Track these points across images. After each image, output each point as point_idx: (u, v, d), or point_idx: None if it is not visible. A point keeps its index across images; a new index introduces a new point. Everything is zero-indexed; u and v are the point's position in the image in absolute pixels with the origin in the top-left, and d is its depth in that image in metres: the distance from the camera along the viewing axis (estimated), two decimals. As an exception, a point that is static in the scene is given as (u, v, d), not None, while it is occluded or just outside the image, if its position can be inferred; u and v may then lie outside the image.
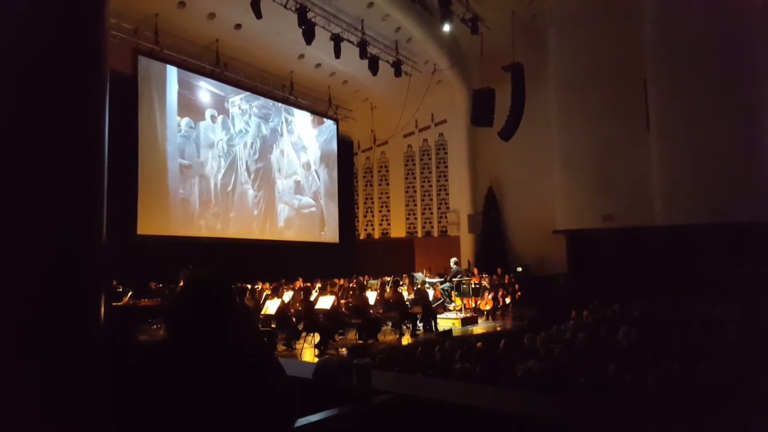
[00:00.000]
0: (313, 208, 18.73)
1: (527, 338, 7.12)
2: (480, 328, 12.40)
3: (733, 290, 10.59)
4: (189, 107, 14.61)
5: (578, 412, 2.67)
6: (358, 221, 21.44)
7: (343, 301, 11.44)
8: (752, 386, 3.98)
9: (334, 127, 19.90)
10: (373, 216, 21.36)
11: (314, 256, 17.59)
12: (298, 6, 13.06)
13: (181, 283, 1.77)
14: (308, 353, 9.56)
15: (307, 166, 18.62)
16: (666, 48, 15.46)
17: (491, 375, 5.12)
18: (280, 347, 9.72)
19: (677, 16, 15.30)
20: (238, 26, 14.46)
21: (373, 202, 21.37)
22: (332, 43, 14.39)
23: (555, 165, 17.34)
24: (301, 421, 2.17)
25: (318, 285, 13.30)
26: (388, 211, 21.13)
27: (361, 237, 21.35)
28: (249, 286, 11.44)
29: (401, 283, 13.79)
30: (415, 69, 17.46)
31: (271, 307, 9.93)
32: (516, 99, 15.58)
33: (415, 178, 20.75)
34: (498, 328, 12.22)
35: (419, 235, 20.54)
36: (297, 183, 18.11)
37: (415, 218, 20.69)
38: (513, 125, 15.74)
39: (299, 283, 13.38)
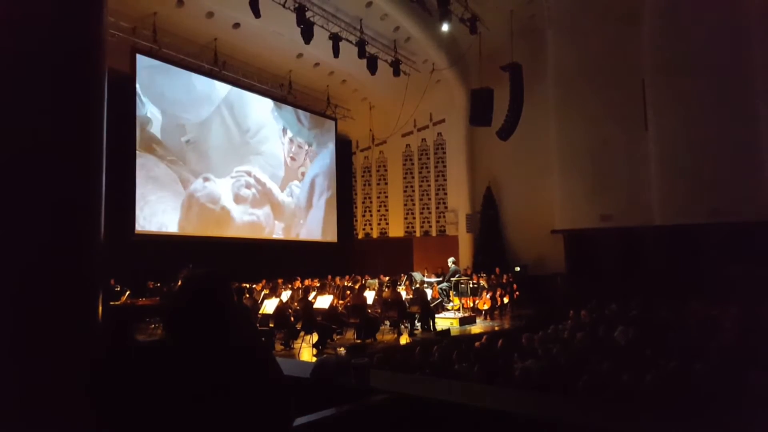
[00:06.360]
0: (312, 208, 18.72)
1: (525, 338, 7.13)
2: (478, 327, 12.40)
3: (730, 290, 10.61)
4: (187, 106, 14.59)
5: (576, 411, 2.68)
6: (356, 221, 21.43)
7: (341, 301, 11.45)
8: (749, 386, 3.99)
9: (333, 126, 19.89)
10: (371, 215, 21.35)
11: (312, 256, 17.58)
12: (296, 5, 13.06)
13: (180, 282, 1.76)
14: (306, 353, 9.55)
15: (306, 164, 18.60)
16: (664, 48, 15.49)
17: (489, 374, 5.13)
18: (278, 347, 9.71)
19: (676, 16, 15.33)
20: (236, 25, 14.45)
21: (371, 202, 21.36)
22: (331, 42, 14.39)
23: (553, 165, 17.35)
24: (299, 421, 2.17)
25: (316, 284, 13.31)
26: (387, 210, 21.12)
27: (360, 236, 21.34)
28: (247, 286, 11.44)
29: (399, 282, 13.80)
30: (413, 68, 17.44)
31: (269, 306, 9.93)
32: (514, 99, 15.59)
33: (413, 177, 20.74)
34: (496, 328, 12.22)
35: (417, 234, 20.54)
36: (295, 182, 18.10)
37: (414, 218, 20.68)
38: (511, 125, 15.75)
39: (297, 283, 13.39)
